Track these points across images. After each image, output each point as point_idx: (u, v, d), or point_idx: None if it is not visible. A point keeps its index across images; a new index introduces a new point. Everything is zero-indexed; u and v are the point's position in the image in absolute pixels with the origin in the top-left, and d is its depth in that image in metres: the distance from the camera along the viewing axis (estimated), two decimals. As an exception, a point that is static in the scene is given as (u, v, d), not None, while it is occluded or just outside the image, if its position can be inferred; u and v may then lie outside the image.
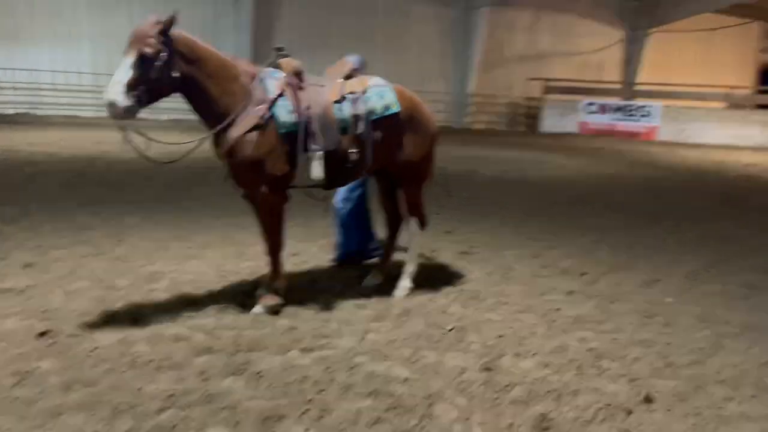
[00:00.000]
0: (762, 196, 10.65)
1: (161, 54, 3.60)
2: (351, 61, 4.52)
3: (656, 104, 21.90)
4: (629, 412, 3.03)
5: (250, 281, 4.77)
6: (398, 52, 22.07)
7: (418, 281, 4.71)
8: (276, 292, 4.15)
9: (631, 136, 21.73)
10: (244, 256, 5.36)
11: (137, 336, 3.63)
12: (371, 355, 3.53)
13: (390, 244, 4.87)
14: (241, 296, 4.40)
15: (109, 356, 3.35)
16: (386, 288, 4.62)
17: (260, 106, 3.86)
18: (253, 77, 3.95)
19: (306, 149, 3.93)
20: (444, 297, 4.61)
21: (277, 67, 4.08)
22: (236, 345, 3.56)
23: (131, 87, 3.54)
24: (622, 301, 4.73)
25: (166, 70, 3.67)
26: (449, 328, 3.95)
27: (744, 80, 28.00)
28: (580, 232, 7.06)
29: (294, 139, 3.94)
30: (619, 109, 22.21)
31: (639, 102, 22.26)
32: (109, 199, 7.65)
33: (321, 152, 3.93)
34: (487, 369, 3.40)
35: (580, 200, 9.29)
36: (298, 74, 4.04)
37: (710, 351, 3.85)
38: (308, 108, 3.93)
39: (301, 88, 3.98)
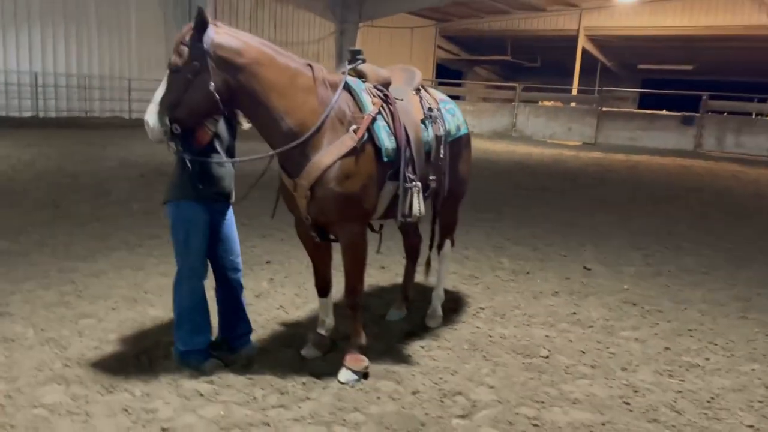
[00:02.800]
0: (576, 178, 12.63)
1: (193, 63, 2.85)
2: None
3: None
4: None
5: (261, 333, 3.85)
6: (116, 36, 19.41)
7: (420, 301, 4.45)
8: (361, 350, 3.42)
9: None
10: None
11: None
12: (527, 404, 3.20)
13: (411, 271, 4.42)
14: (291, 356, 3.53)
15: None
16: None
17: (355, 127, 3.10)
18: (333, 87, 3.15)
19: (404, 179, 3.29)
20: (475, 319, 4.42)
21: (358, 75, 3.33)
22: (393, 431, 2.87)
23: (165, 106, 2.87)
24: (630, 301, 4.99)
25: (201, 82, 2.87)
26: (544, 355, 3.82)
27: (427, 74, 32.21)
28: (488, 228, 7.38)
29: (387, 167, 3.27)
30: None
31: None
32: None
33: (419, 183, 3.33)
34: (636, 391, 3.41)
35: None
36: (386, 87, 3.34)
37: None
38: (404, 129, 3.30)
39: (393, 105, 3.30)
